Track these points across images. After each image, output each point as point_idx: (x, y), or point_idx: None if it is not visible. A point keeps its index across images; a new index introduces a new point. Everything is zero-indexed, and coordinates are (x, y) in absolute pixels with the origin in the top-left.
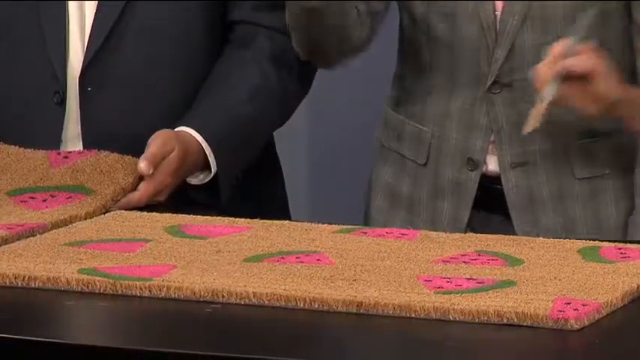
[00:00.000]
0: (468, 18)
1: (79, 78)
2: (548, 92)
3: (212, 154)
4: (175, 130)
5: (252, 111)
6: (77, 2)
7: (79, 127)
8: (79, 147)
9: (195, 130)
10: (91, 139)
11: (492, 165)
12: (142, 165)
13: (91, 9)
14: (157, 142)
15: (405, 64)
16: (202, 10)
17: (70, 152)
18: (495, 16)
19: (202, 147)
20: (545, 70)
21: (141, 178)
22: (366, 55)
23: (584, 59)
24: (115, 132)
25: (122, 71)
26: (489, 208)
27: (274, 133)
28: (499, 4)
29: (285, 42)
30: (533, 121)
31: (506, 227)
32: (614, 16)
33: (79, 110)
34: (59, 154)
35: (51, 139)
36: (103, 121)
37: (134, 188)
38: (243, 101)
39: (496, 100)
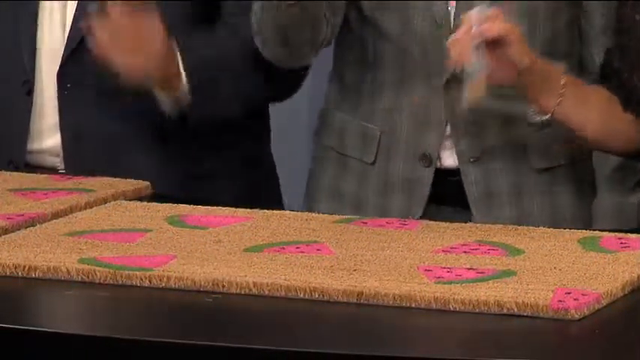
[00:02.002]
0: (420, 13)
1: (58, 74)
2: (476, 64)
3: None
4: None
5: (215, 53)
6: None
7: (57, 120)
8: (55, 140)
9: None
10: (69, 136)
11: (448, 160)
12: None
13: (72, 5)
14: None
15: (343, 61)
16: (182, 6)
17: (73, 176)
18: (449, 11)
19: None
20: (462, 41)
21: None
22: None
23: (497, 24)
24: (93, 129)
25: (99, 68)
26: (443, 201)
27: (272, 133)
28: (452, 3)
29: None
30: (473, 93)
31: (461, 217)
32: (565, 7)
33: (56, 105)
34: (62, 176)
35: (18, 129)
36: (82, 118)
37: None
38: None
39: (453, 94)
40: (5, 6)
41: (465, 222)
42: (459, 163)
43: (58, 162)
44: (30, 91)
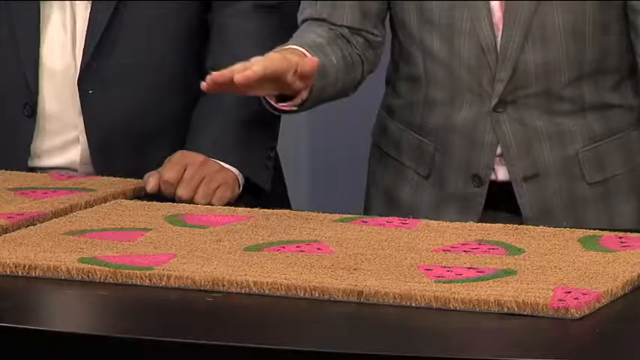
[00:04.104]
0: (467, 38)
1: (78, 82)
2: None
3: (235, 168)
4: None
5: (246, 112)
6: (61, 3)
7: (74, 135)
8: (70, 156)
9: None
10: (97, 143)
11: (502, 175)
12: (151, 181)
13: (83, 10)
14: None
15: (397, 72)
16: (196, 5)
17: (73, 175)
18: (495, 35)
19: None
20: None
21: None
22: None
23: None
24: (120, 133)
25: (121, 71)
26: (499, 208)
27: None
28: (498, 24)
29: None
30: None
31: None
32: (614, 25)
33: (71, 118)
34: (62, 175)
35: (21, 153)
36: (108, 123)
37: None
38: (235, 105)
39: (502, 118)
40: (3, 25)
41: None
42: (512, 182)
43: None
44: (33, 113)
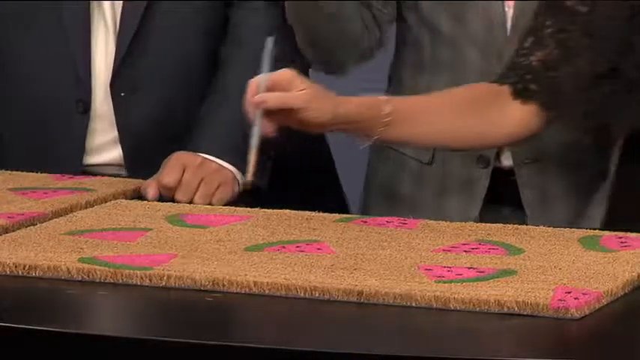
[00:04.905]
0: (477, 13)
1: (110, 84)
2: (254, 133)
3: (233, 166)
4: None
5: None
6: (107, 3)
7: (116, 135)
8: (115, 154)
9: (209, 154)
10: (130, 145)
11: (506, 160)
12: (150, 191)
13: (116, 11)
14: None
15: (402, 63)
16: (220, 3)
17: (74, 175)
18: (505, 12)
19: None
20: (247, 107)
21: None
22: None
23: (279, 96)
24: (153, 135)
25: (152, 72)
26: (500, 199)
27: None
28: (509, 3)
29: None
30: (252, 166)
31: (517, 218)
32: None
33: (113, 117)
34: (63, 175)
35: (75, 149)
36: (140, 125)
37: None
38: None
39: None
40: (54, 24)
41: (521, 223)
42: (513, 164)
43: (122, 172)
44: (86, 110)
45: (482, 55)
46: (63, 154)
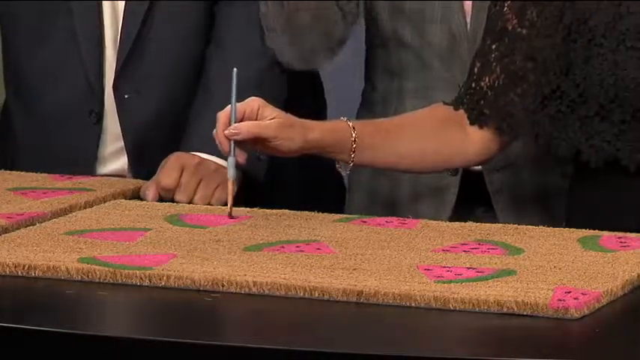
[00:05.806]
0: (438, 26)
1: (113, 87)
2: (229, 164)
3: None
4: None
5: None
6: (110, 3)
7: (121, 139)
8: (122, 163)
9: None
10: (134, 147)
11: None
12: (149, 194)
13: (119, 12)
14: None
15: (373, 65)
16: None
17: (73, 176)
18: (466, 23)
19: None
20: (219, 140)
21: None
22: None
23: (251, 126)
24: (157, 136)
25: (154, 74)
26: (472, 201)
27: None
28: (468, 11)
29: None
30: (231, 198)
31: (489, 220)
32: None
33: (117, 121)
34: (62, 175)
35: (88, 160)
36: (144, 127)
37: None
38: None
39: None
40: (64, 30)
41: (490, 220)
42: (483, 170)
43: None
44: (99, 120)
45: (446, 65)
46: (76, 164)
